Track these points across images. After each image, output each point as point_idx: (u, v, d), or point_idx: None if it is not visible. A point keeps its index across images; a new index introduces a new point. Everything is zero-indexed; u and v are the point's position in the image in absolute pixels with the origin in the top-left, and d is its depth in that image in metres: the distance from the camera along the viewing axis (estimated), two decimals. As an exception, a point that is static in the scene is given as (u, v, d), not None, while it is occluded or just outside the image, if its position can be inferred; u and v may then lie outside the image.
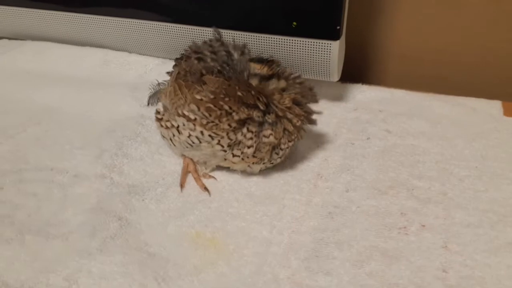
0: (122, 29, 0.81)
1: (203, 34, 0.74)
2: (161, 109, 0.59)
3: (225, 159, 0.56)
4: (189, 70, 0.56)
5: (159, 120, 0.59)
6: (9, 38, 0.96)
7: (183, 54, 0.63)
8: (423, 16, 0.80)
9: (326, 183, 0.59)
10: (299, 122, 0.55)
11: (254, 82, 0.54)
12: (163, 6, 0.76)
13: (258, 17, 0.69)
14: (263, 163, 0.56)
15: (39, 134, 0.70)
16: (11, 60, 0.89)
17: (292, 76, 0.55)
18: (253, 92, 0.52)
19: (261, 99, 0.53)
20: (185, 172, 0.60)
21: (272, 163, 0.57)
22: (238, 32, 0.71)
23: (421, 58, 0.84)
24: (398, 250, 0.49)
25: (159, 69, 0.84)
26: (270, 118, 0.53)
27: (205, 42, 0.62)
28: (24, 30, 0.91)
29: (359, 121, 0.72)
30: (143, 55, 0.86)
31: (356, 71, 0.86)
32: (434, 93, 0.79)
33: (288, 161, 0.62)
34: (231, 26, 0.71)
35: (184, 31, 0.76)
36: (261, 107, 0.52)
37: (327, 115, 0.74)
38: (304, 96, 0.56)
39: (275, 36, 0.70)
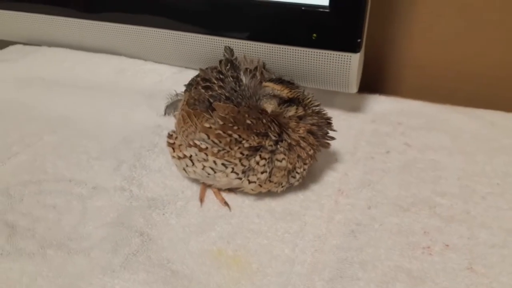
0: (138, 36, 0.81)
1: (221, 43, 0.74)
2: (174, 134, 0.58)
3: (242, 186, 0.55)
4: (197, 99, 0.55)
5: (171, 145, 0.57)
6: (24, 44, 0.96)
7: (193, 80, 0.62)
8: (440, 28, 0.79)
9: (347, 199, 0.58)
10: (312, 151, 0.54)
11: (273, 104, 0.53)
12: (181, 15, 0.75)
13: (278, 29, 0.69)
14: (282, 186, 0.55)
15: (55, 143, 0.70)
16: (26, 66, 0.89)
17: (312, 104, 0.54)
18: (264, 120, 0.51)
19: (272, 128, 0.51)
20: (204, 186, 0.60)
21: (292, 184, 0.57)
22: (257, 43, 0.71)
23: (437, 69, 0.83)
24: (422, 271, 0.48)
25: (175, 78, 0.83)
26: (282, 146, 0.52)
27: (214, 68, 0.60)
28: (39, 35, 0.91)
29: (378, 133, 0.72)
30: (159, 63, 0.86)
31: (372, 81, 0.86)
32: (451, 104, 0.79)
33: (307, 175, 0.61)
34: (250, 37, 0.71)
35: (202, 41, 0.76)
36: (273, 137, 0.51)
37: (345, 126, 0.73)
38: (320, 127, 0.54)
39: (295, 48, 0.69)
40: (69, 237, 0.53)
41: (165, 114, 0.74)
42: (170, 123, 0.70)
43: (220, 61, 0.61)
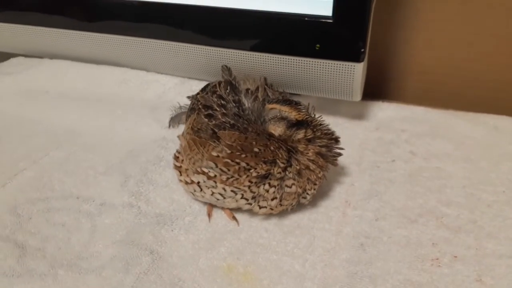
0: (140, 48, 0.81)
1: (224, 54, 0.74)
2: (180, 156, 0.56)
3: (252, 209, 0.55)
4: (200, 128, 0.54)
5: (177, 168, 0.56)
6: (26, 56, 0.96)
7: (195, 104, 0.59)
8: (443, 33, 0.79)
9: (355, 211, 0.58)
10: (321, 173, 0.54)
11: (281, 127, 0.52)
12: (183, 27, 0.75)
13: (282, 39, 0.69)
14: (292, 206, 0.55)
15: (61, 158, 0.70)
16: (29, 79, 0.89)
17: (320, 126, 0.53)
18: (272, 148, 0.50)
19: (280, 154, 0.51)
20: (211, 201, 0.60)
21: (302, 203, 0.57)
22: (260, 54, 0.71)
23: (440, 74, 0.83)
24: (432, 284, 0.49)
25: (178, 89, 0.84)
26: (291, 171, 0.51)
27: (214, 92, 0.58)
28: (40, 48, 0.91)
29: (382, 141, 0.72)
30: (161, 73, 0.86)
31: (375, 86, 0.86)
32: (454, 109, 0.79)
33: (314, 187, 0.62)
34: (254, 47, 0.71)
35: (204, 52, 0.76)
36: (281, 164, 0.51)
37: (350, 135, 0.73)
38: (329, 148, 0.54)
39: (298, 58, 0.69)
40: (80, 256, 0.53)
41: (169, 126, 0.75)
42: (175, 135, 0.71)
43: (220, 83, 0.59)
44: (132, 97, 0.84)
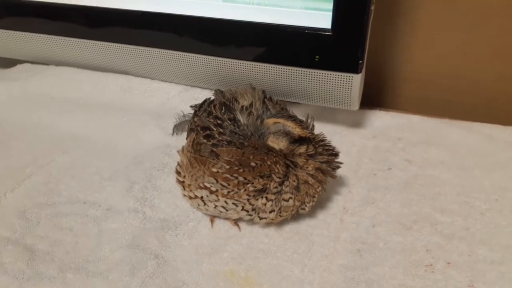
0: (144, 57, 0.83)
1: (227, 64, 0.76)
2: (181, 171, 0.58)
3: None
4: (200, 149, 0.55)
5: (180, 183, 0.59)
6: (32, 62, 0.98)
7: (194, 125, 0.61)
8: (440, 42, 0.81)
9: (352, 217, 0.61)
10: (320, 187, 0.55)
11: (283, 141, 0.53)
12: (186, 38, 0.77)
13: (283, 50, 0.71)
14: (292, 215, 0.57)
15: (68, 163, 0.72)
16: (35, 85, 0.91)
17: (322, 142, 0.55)
18: (268, 162, 0.52)
19: (277, 169, 0.52)
20: (214, 207, 0.62)
21: (301, 214, 0.59)
22: (262, 64, 0.73)
23: (436, 83, 0.85)
24: (426, 289, 0.51)
25: (181, 96, 0.86)
26: (288, 185, 0.53)
27: (210, 113, 0.59)
28: (46, 55, 0.93)
29: (379, 149, 0.74)
30: (165, 81, 0.88)
31: (372, 94, 0.88)
32: (449, 117, 0.81)
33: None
34: (256, 58, 0.73)
35: (207, 62, 0.78)
36: (276, 179, 0.53)
37: (347, 143, 0.76)
38: (330, 163, 0.55)
39: (299, 69, 0.71)
40: (87, 260, 0.55)
41: (173, 134, 0.77)
42: (179, 142, 0.73)
43: (215, 105, 0.60)
44: (137, 104, 0.86)
